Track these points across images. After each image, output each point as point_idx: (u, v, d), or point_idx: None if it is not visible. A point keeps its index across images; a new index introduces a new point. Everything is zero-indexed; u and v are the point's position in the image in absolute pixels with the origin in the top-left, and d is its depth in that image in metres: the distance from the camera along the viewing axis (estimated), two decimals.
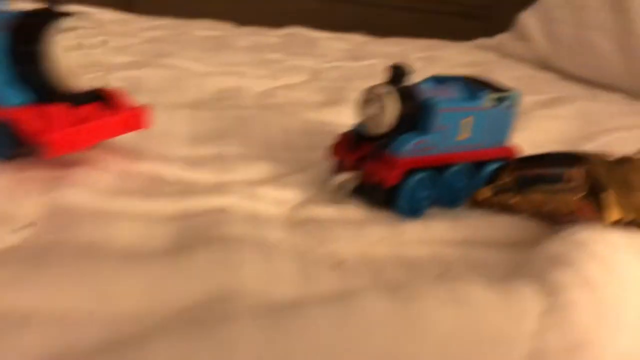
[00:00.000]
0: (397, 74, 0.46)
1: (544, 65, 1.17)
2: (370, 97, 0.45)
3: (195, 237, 0.37)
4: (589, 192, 0.38)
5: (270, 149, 0.56)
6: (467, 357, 0.22)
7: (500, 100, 0.49)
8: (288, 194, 0.47)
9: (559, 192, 0.40)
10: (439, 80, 0.50)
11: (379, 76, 0.97)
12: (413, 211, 0.46)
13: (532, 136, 0.71)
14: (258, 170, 0.51)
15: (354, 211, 0.45)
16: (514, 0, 1.38)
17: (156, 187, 0.44)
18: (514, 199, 0.45)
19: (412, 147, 0.44)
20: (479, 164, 0.50)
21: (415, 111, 0.45)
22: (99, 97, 0.47)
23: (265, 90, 0.77)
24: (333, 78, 0.87)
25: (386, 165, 0.44)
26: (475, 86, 0.48)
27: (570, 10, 1.13)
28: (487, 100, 0.48)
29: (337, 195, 0.45)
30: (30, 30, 0.43)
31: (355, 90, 0.80)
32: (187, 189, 0.44)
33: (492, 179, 0.49)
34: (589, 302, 0.25)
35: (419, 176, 0.45)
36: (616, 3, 1.01)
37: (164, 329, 0.27)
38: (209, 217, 0.40)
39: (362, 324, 0.23)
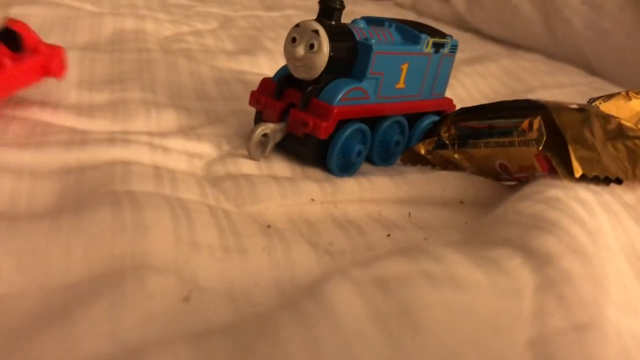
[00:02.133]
0: (329, 8, 0.39)
1: (463, 25, 1.14)
2: (299, 35, 0.38)
3: (87, 194, 0.29)
4: (547, 144, 0.34)
5: (179, 97, 0.49)
6: (467, 351, 0.17)
7: (439, 46, 0.44)
8: (202, 147, 0.40)
9: (512, 145, 0.35)
10: (372, 21, 0.44)
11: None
12: (345, 168, 0.41)
13: (457, 93, 0.68)
14: (166, 119, 0.43)
15: (278, 167, 0.39)
16: None
17: (41, 136, 0.36)
18: (456, 154, 0.41)
19: (346, 95, 0.39)
20: (415, 117, 0.45)
21: (350, 54, 0.40)
22: (4, 34, 0.36)
23: (171, 35, 0.68)
24: (244, 27, 0.80)
25: (318, 114, 0.38)
26: (411, 30, 0.43)
27: None
28: (426, 45, 0.43)
29: (259, 150, 0.39)
30: None
31: (271, 40, 0.74)
32: (80, 139, 0.36)
33: (429, 132, 0.44)
34: (582, 272, 0.21)
35: (351, 129, 0.39)
36: None
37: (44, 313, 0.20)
38: (106, 170, 0.32)
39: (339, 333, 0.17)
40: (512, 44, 1.03)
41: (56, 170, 0.32)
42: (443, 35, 0.45)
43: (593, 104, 0.41)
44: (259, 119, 0.42)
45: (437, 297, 0.19)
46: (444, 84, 0.47)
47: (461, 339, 0.17)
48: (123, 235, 0.24)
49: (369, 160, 0.43)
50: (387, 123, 0.42)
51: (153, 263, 0.23)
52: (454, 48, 0.46)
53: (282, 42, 0.76)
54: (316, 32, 0.38)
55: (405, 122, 0.44)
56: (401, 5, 1.33)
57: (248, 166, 0.38)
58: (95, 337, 0.20)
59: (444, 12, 1.20)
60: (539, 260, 0.21)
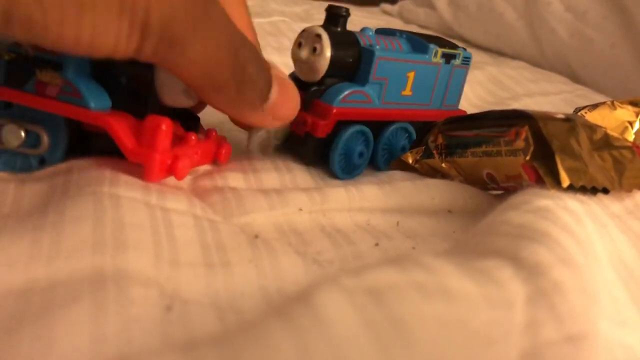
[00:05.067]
0: (334, 15, 0.40)
1: (449, 32, 1.15)
2: (304, 39, 0.39)
3: (73, 196, 0.29)
4: (534, 154, 0.34)
5: None
6: None
7: (449, 56, 0.44)
8: None
9: (500, 154, 0.36)
10: (383, 32, 0.45)
11: (283, 34, 0.91)
12: (348, 170, 0.41)
13: None
14: None
15: (267, 180, 0.39)
16: None
17: None
18: (443, 163, 0.41)
19: (347, 97, 0.39)
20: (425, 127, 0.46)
21: (354, 59, 0.40)
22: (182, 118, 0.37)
23: None
24: None
25: (317, 113, 0.39)
26: (421, 40, 0.44)
27: None
28: (434, 54, 0.43)
29: (260, 150, 0.39)
30: None
31: (260, 47, 0.73)
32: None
33: (417, 141, 0.45)
34: (573, 283, 0.21)
35: (352, 130, 0.40)
36: None
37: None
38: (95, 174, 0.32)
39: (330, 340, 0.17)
40: (498, 52, 1.04)
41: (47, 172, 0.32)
42: (454, 46, 0.45)
43: (579, 113, 0.41)
44: None
45: (429, 308, 0.18)
46: (456, 95, 0.47)
47: (453, 351, 0.17)
48: (103, 250, 0.24)
49: (376, 166, 0.44)
50: (391, 128, 0.43)
51: (133, 277, 0.23)
52: (466, 60, 0.46)
53: (270, 49, 0.76)
54: (319, 36, 0.38)
55: (412, 129, 0.44)
56: (388, 13, 1.34)
57: (235, 179, 0.38)
58: (76, 337, 0.20)
59: (430, 19, 1.21)
60: (530, 271, 0.21)
